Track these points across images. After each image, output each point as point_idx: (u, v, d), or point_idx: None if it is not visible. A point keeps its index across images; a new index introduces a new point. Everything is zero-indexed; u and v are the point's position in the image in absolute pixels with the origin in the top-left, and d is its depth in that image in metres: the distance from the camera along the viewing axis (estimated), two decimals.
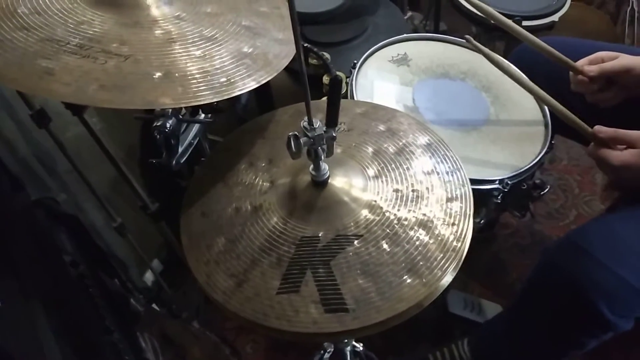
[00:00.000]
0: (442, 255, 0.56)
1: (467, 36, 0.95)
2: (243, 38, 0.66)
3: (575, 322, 0.81)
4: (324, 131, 0.55)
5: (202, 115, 0.88)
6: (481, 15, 0.92)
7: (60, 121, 0.85)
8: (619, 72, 0.83)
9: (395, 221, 0.59)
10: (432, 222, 0.59)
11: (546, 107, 0.95)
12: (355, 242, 0.58)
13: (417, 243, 0.57)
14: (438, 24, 1.61)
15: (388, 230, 0.58)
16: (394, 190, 0.63)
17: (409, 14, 1.68)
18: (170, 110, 0.80)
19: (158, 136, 0.81)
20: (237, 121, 1.19)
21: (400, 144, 0.69)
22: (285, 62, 0.66)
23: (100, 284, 0.88)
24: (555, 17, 1.22)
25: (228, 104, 1.06)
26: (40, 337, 0.64)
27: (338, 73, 1.01)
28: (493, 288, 1.37)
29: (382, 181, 0.64)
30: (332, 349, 0.98)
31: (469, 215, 0.60)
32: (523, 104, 0.98)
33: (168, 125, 0.80)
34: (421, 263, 0.56)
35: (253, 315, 0.54)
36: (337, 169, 0.63)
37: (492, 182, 0.82)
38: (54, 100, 0.77)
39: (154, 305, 1.19)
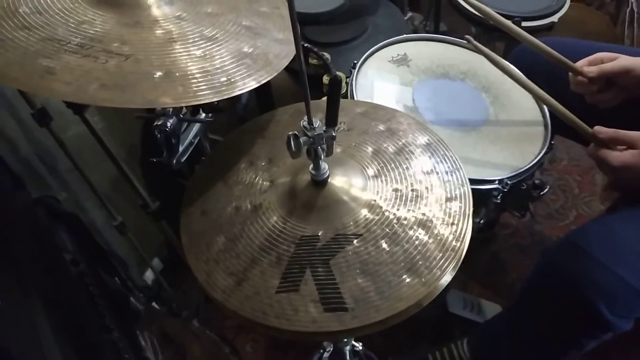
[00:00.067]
0: (441, 254, 0.57)
1: (468, 36, 0.96)
2: (243, 38, 0.66)
3: (575, 322, 0.81)
4: (324, 131, 0.56)
5: (203, 115, 0.88)
6: (481, 15, 0.92)
7: (61, 120, 0.86)
8: (618, 73, 0.83)
9: (395, 221, 0.59)
10: (431, 221, 0.60)
11: (546, 108, 0.95)
12: (355, 241, 0.58)
13: (417, 242, 0.57)
14: (438, 25, 1.61)
15: (387, 230, 0.59)
16: (393, 190, 0.63)
17: (409, 14, 1.68)
18: (171, 109, 0.80)
19: (159, 135, 0.81)
20: (238, 121, 1.19)
21: (400, 143, 0.70)
22: (285, 62, 0.66)
23: (101, 283, 0.88)
24: (554, 18, 1.22)
25: (228, 103, 1.07)
26: (40, 336, 0.64)
27: (338, 73, 1.02)
28: (493, 288, 1.37)
29: (381, 181, 0.64)
30: (332, 348, 0.98)
31: (468, 215, 0.61)
32: (522, 104, 0.98)
33: (169, 124, 0.80)
34: (420, 262, 0.56)
35: (252, 314, 0.54)
36: (337, 168, 0.63)
37: (491, 182, 0.83)
38: (55, 99, 0.78)
39: (154, 304, 1.19)
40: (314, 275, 0.56)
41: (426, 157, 0.68)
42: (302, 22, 1.16)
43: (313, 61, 1.09)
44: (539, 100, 0.96)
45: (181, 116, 0.83)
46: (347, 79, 0.98)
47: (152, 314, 1.13)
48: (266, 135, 0.74)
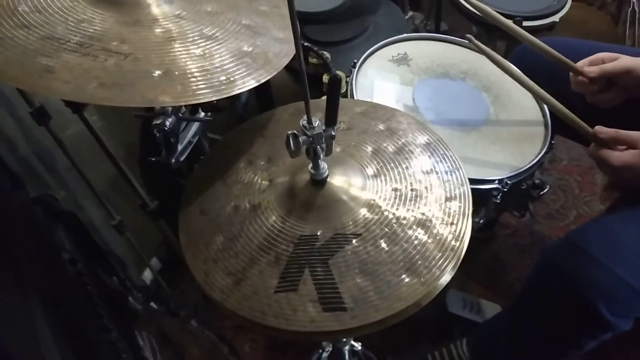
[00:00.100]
0: (440, 254, 0.56)
1: (469, 35, 0.95)
2: (243, 37, 0.66)
3: (575, 322, 0.81)
4: (323, 130, 0.55)
5: (202, 114, 0.88)
6: (482, 15, 0.92)
7: (60, 119, 0.86)
8: (619, 73, 0.83)
9: (394, 220, 0.59)
10: (430, 221, 0.59)
11: (546, 107, 0.95)
12: (354, 241, 0.58)
13: (416, 242, 0.57)
14: (439, 24, 1.61)
15: (387, 230, 0.58)
16: (392, 190, 0.63)
17: (410, 13, 1.68)
18: (170, 108, 0.80)
19: (157, 134, 0.81)
20: (237, 120, 1.19)
21: (400, 143, 0.69)
22: (285, 61, 0.66)
23: (99, 282, 0.88)
24: (556, 18, 1.22)
25: (228, 102, 1.06)
26: (38, 335, 0.64)
27: (338, 72, 1.01)
28: (492, 288, 1.37)
29: (381, 180, 0.64)
30: (331, 348, 0.98)
31: (468, 214, 0.60)
32: (523, 104, 0.98)
33: (168, 123, 0.80)
34: (419, 262, 0.56)
35: (251, 313, 0.54)
36: (336, 167, 0.63)
37: (491, 181, 0.82)
38: (54, 98, 0.78)
39: (152, 304, 1.19)
40: (313, 275, 0.55)
41: (426, 156, 0.67)
42: (303, 21, 1.16)
43: (313, 60, 1.08)
44: (539, 100, 0.96)
45: (180, 115, 0.83)
46: (347, 78, 0.97)
47: (150, 313, 1.13)
48: (265, 135, 0.74)
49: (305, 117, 0.55)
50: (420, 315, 0.55)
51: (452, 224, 0.59)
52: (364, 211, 0.60)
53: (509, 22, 0.86)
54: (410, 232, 0.58)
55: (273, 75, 0.63)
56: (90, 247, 0.94)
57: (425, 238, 0.58)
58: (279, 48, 0.67)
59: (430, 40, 1.09)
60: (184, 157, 0.87)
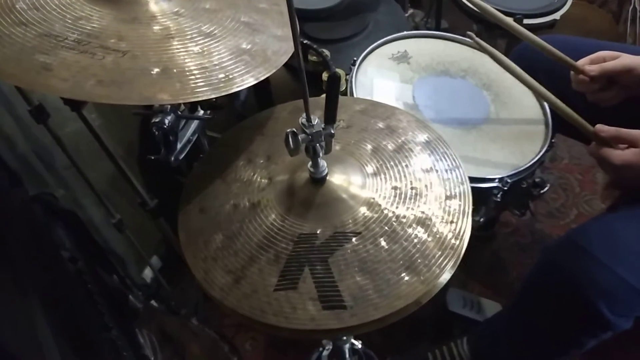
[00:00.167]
0: (440, 253, 0.56)
1: (470, 33, 0.95)
2: (242, 34, 0.65)
3: (575, 321, 0.81)
4: (322, 128, 0.55)
5: (201, 112, 0.88)
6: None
7: (58, 117, 0.85)
8: (620, 71, 0.82)
9: (394, 219, 0.59)
10: (430, 219, 0.59)
11: (547, 106, 0.95)
12: (354, 239, 0.58)
13: (415, 241, 0.57)
14: (439, 22, 1.61)
15: (386, 228, 0.58)
16: (392, 188, 0.63)
17: (410, 11, 1.68)
18: (168, 106, 0.80)
19: (157, 132, 0.81)
20: (236, 118, 1.19)
21: (400, 141, 0.69)
22: (284, 59, 0.65)
23: (99, 281, 0.88)
24: (556, 16, 1.22)
25: (227, 100, 1.06)
26: (38, 334, 0.64)
27: (337, 70, 1.01)
28: (493, 287, 1.37)
29: (380, 179, 0.64)
30: (331, 347, 0.98)
31: (468, 213, 0.60)
32: (523, 102, 0.98)
33: (167, 121, 0.80)
34: (419, 261, 0.56)
35: (250, 311, 0.54)
36: (336, 166, 0.63)
37: (491, 180, 0.82)
38: (52, 95, 0.77)
39: (152, 302, 1.19)
40: (313, 273, 0.55)
41: (426, 154, 0.67)
42: (302, 19, 1.15)
43: (312, 58, 1.08)
44: (540, 98, 0.96)
45: (179, 113, 0.83)
46: (347, 76, 0.97)
47: (150, 312, 1.12)
48: (265, 133, 0.73)
49: (304, 115, 0.55)
50: (421, 314, 0.55)
51: (452, 222, 0.59)
52: (363, 209, 0.60)
53: (510, 20, 0.86)
54: (410, 230, 0.58)
55: (272, 73, 0.63)
56: (90, 246, 0.94)
57: (425, 236, 0.58)
58: (278, 46, 0.67)
59: (430, 38, 1.09)
60: (183, 155, 0.87)
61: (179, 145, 0.86)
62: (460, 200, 0.62)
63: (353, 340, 0.95)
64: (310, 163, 0.60)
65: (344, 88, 0.97)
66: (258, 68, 0.62)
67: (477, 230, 0.86)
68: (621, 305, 0.75)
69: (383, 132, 0.71)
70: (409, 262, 0.55)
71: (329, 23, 1.20)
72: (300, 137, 0.55)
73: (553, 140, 0.90)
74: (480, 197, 0.84)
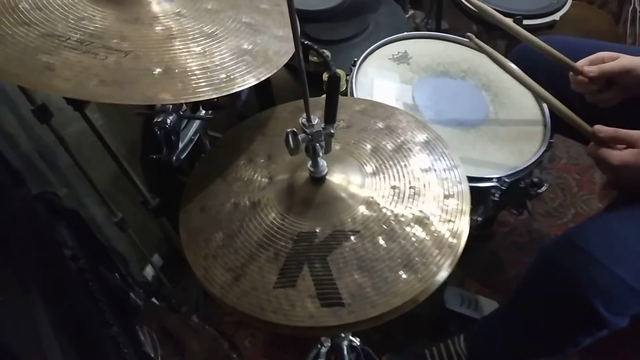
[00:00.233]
0: (437, 251, 0.57)
1: (469, 34, 0.96)
2: (243, 35, 0.66)
3: (571, 319, 0.81)
4: (322, 128, 0.56)
5: (203, 112, 0.88)
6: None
7: (61, 116, 0.86)
8: (619, 72, 0.83)
9: (392, 217, 0.60)
10: (428, 218, 0.60)
11: (545, 106, 0.95)
12: (352, 237, 0.58)
13: (413, 239, 0.58)
14: (440, 23, 1.61)
15: (385, 227, 0.59)
16: (391, 187, 0.63)
17: (411, 12, 1.68)
18: (170, 106, 0.81)
19: (158, 132, 0.81)
20: (237, 118, 1.19)
21: (399, 141, 0.70)
22: (285, 59, 0.66)
23: (100, 278, 0.88)
24: (556, 16, 1.22)
25: (228, 100, 1.07)
26: (40, 331, 0.64)
27: (337, 70, 1.02)
28: (490, 285, 1.38)
29: (379, 178, 0.64)
30: (329, 344, 0.99)
31: (466, 212, 0.61)
32: (522, 102, 0.98)
33: (168, 121, 0.81)
34: (417, 259, 0.56)
35: (250, 309, 0.54)
36: (335, 165, 0.64)
37: (490, 180, 0.83)
38: (55, 95, 0.78)
39: (153, 300, 1.20)
40: (312, 271, 0.56)
41: (424, 154, 0.68)
42: (303, 20, 1.16)
43: (313, 58, 1.09)
44: (539, 98, 0.96)
45: (181, 113, 0.83)
46: (347, 77, 0.98)
47: (151, 309, 1.13)
48: (265, 132, 0.74)
49: (304, 115, 0.55)
50: (419, 312, 0.55)
51: (449, 221, 0.60)
52: (362, 208, 0.61)
53: (509, 21, 0.87)
54: (408, 229, 0.59)
55: (273, 73, 0.64)
56: (92, 244, 0.94)
57: (422, 235, 0.58)
58: (279, 46, 0.67)
59: (430, 39, 1.09)
60: (184, 154, 0.88)
61: (180, 145, 0.87)
62: (458, 199, 0.62)
63: (351, 338, 0.96)
64: (310, 162, 0.61)
65: (344, 88, 0.97)
66: (259, 68, 0.63)
67: (475, 230, 0.86)
68: (617, 304, 0.76)
69: (382, 132, 0.71)
70: (406, 261, 0.56)
71: (329, 24, 1.20)
72: (301, 136, 0.55)
73: (551, 141, 0.91)
74: (479, 196, 0.84)
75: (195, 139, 0.91)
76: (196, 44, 0.62)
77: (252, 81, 0.61)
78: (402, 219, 0.60)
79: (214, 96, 0.57)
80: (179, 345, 1.10)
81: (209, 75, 0.59)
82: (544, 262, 0.85)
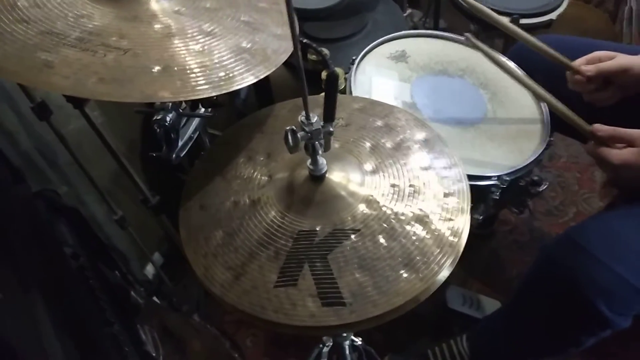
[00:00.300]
0: (438, 250, 0.57)
1: (467, 34, 0.96)
2: (242, 33, 0.66)
3: (573, 319, 0.81)
4: (321, 126, 0.56)
5: (202, 110, 0.88)
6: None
7: (61, 114, 0.86)
8: (616, 71, 0.83)
9: (392, 216, 0.60)
10: (428, 217, 0.60)
11: (544, 105, 0.95)
12: (353, 236, 0.58)
13: (414, 238, 0.58)
14: (437, 22, 1.61)
15: (385, 225, 0.59)
16: (391, 185, 0.63)
17: (409, 11, 1.68)
18: (170, 104, 0.81)
19: (158, 130, 0.81)
20: (237, 116, 1.19)
21: (398, 139, 0.70)
22: (283, 58, 0.66)
23: (101, 277, 0.88)
24: (553, 15, 1.22)
25: (227, 98, 1.07)
26: (40, 329, 0.64)
27: (336, 69, 1.02)
28: (492, 284, 1.38)
29: (379, 176, 0.64)
30: (331, 343, 0.99)
31: (466, 210, 0.61)
32: (521, 101, 0.98)
33: (168, 119, 0.81)
34: (418, 258, 0.56)
35: (250, 308, 0.54)
36: (335, 163, 0.63)
37: (489, 178, 0.83)
38: (54, 93, 0.78)
39: (154, 298, 1.20)
40: (312, 270, 0.56)
41: (424, 152, 0.68)
42: (302, 18, 1.16)
43: (312, 57, 1.09)
44: (537, 97, 0.96)
45: (180, 111, 0.83)
46: (346, 75, 0.98)
47: (152, 308, 1.13)
48: (265, 130, 0.74)
49: (303, 113, 0.55)
50: (420, 311, 0.55)
51: (450, 219, 0.60)
52: (362, 207, 0.61)
53: (505, 21, 0.86)
54: (408, 227, 0.59)
55: (272, 71, 0.64)
56: (92, 242, 0.94)
57: (423, 234, 0.58)
58: (278, 44, 0.67)
59: (428, 38, 1.09)
60: (184, 152, 0.88)
61: (180, 143, 0.87)
62: (458, 198, 0.62)
63: (353, 337, 0.96)
64: (309, 161, 0.60)
65: (342, 87, 0.97)
66: (258, 66, 0.63)
67: (476, 228, 0.86)
68: (620, 304, 0.76)
69: (382, 130, 0.71)
70: (407, 260, 0.56)
71: (328, 22, 1.20)
72: (300, 135, 0.55)
73: (551, 139, 0.91)
74: (479, 195, 0.84)
75: (195, 137, 0.91)
76: (195, 42, 0.62)
77: (251, 79, 0.61)
78: (402, 218, 0.59)
79: (213, 94, 0.57)
80: (180, 344, 1.10)
81: (208, 73, 0.59)
82: (545, 261, 0.85)
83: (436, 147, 0.69)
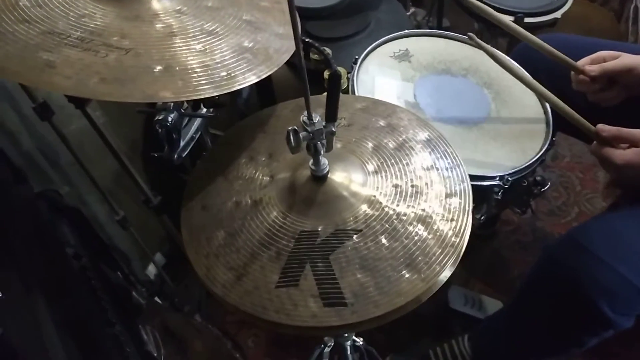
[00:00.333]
0: (440, 250, 0.57)
1: (470, 34, 0.95)
2: (244, 32, 0.66)
3: (576, 319, 0.81)
4: (324, 126, 0.56)
5: (204, 110, 0.88)
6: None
7: (63, 114, 0.86)
8: (620, 71, 0.82)
9: (394, 216, 0.59)
10: (431, 217, 0.60)
11: (547, 104, 0.95)
12: (354, 236, 0.58)
13: (416, 238, 0.57)
14: (441, 20, 1.61)
15: (387, 225, 0.59)
16: (393, 186, 0.63)
17: (412, 9, 1.68)
18: (172, 104, 0.80)
19: (160, 130, 0.81)
20: (239, 116, 1.19)
21: (400, 139, 0.69)
22: (285, 57, 0.66)
23: (103, 277, 0.88)
24: (557, 14, 1.22)
25: (229, 98, 1.07)
26: (42, 329, 0.64)
27: (339, 68, 1.01)
28: (494, 285, 1.37)
29: (381, 176, 0.64)
30: (333, 343, 0.98)
31: (468, 211, 0.61)
32: (524, 100, 0.98)
33: (170, 119, 0.80)
34: (420, 258, 0.56)
35: (252, 308, 0.54)
36: (337, 163, 0.63)
37: (492, 178, 0.82)
38: (56, 93, 0.78)
39: (156, 299, 1.20)
40: (314, 271, 0.56)
41: (426, 153, 0.68)
42: (304, 17, 1.16)
43: (314, 56, 1.08)
44: (541, 98, 0.96)
45: (182, 111, 0.83)
46: (349, 75, 0.97)
47: (154, 308, 1.13)
48: (266, 130, 0.74)
49: (305, 112, 0.55)
50: (422, 311, 0.55)
51: (452, 220, 0.59)
52: (364, 207, 0.60)
53: (508, 21, 0.86)
54: (410, 228, 0.58)
55: (274, 71, 0.63)
56: (94, 242, 0.94)
57: (425, 234, 0.58)
58: (280, 44, 0.67)
59: (431, 37, 1.09)
60: (186, 152, 0.88)
61: (182, 143, 0.87)
62: (460, 198, 0.62)
63: (355, 338, 0.96)
64: (311, 161, 0.60)
65: (345, 86, 0.97)
66: (260, 66, 0.62)
67: (479, 229, 0.86)
68: (622, 304, 0.76)
69: (384, 130, 0.71)
70: (409, 260, 0.56)
71: (330, 21, 1.20)
72: (302, 135, 0.55)
73: (554, 139, 0.90)
74: (481, 195, 0.84)
75: (197, 137, 0.91)
76: (197, 42, 0.62)
77: (253, 79, 0.61)
78: (405, 218, 0.59)
79: (215, 94, 0.57)
80: (181, 345, 1.10)
81: (210, 73, 0.58)
82: (548, 262, 0.85)
83: (439, 147, 0.68)
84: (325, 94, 0.56)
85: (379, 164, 0.66)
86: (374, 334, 1.21)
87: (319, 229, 0.59)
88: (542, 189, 0.88)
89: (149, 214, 0.93)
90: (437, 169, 0.65)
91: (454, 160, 0.67)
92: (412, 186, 0.63)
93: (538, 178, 0.89)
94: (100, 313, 0.83)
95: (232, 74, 0.60)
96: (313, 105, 0.55)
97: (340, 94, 0.57)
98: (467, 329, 1.16)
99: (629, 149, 0.75)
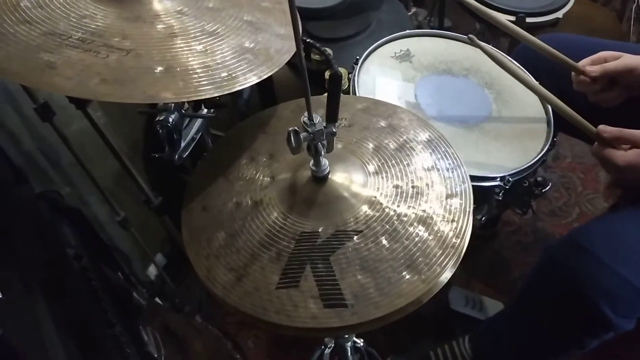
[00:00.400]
0: (441, 251, 0.56)
1: (470, 35, 0.95)
2: (245, 33, 0.66)
3: (576, 321, 0.81)
4: (324, 127, 0.55)
5: (205, 110, 0.88)
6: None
7: (64, 115, 0.86)
8: (621, 72, 0.82)
9: (395, 217, 0.59)
10: (431, 218, 0.59)
11: (549, 105, 0.95)
12: (355, 237, 0.58)
13: (417, 239, 0.57)
14: (442, 21, 1.60)
15: (387, 226, 0.59)
16: (394, 186, 0.63)
17: (413, 10, 1.68)
18: (172, 105, 0.80)
19: (160, 131, 0.81)
20: (240, 116, 1.19)
21: (401, 140, 0.69)
22: (286, 58, 0.66)
23: (103, 277, 0.88)
24: (559, 14, 1.22)
25: (230, 99, 1.07)
26: (42, 330, 0.64)
27: (340, 69, 1.01)
28: (495, 286, 1.37)
29: (382, 177, 0.64)
30: (333, 345, 0.98)
31: (469, 212, 0.60)
32: (525, 101, 0.97)
33: (170, 119, 0.80)
34: (420, 259, 0.56)
35: (252, 309, 0.54)
36: (338, 164, 0.63)
37: (493, 179, 0.82)
38: (57, 93, 0.78)
39: (156, 299, 1.20)
40: (314, 272, 0.56)
41: (427, 153, 0.67)
42: (305, 18, 1.16)
43: (315, 57, 1.08)
44: (542, 98, 0.96)
45: (183, 112, 0.83)
46: (349, 75, 0.97)
47: (154, 309, 1.13)
48: (267, 131, 0.74)
49: (306, 113, 0.55)
50: (423, 313, 0.55)
51: (453, 221, 0.59)
52: (365, 208, 0.60)
53: (507, 22, 0.86)
54: (411, 229, 0.58)
55: (275, 71, 0.63)
56: (94, 243, 0.94)
57: (426, 235, 0.58)
58: (281, 44, 0.67)
59: (432, 37, 1.09)
60: (187, 153, 0.88)
61: (182, 144, 0.87)
62: (461, 199, 0.62)
63: (355, 339, 0.96)
64: (312, 161, 0.60)
65: (346, 87, 0.97)
66: (261, 66, 0.62)
67: (479, 229, 0.86)
68: (623, 306, 0.75)
69: (385, 131, 0.71)
70: (410, 261, 0.56)
71: (331, 22, 1.20)
72: (302, 135, 0.55)
73: (555, 139, 0.90)
74: (482, 195, 0.84)
75: (198, 138, 0.91)
76: (198, 42, 0.62)
77: (253, 79, 0.61)
78: (405, 219, 0.59)
79: (216, 94, 0.57)
80: (182, 345, 1.10)
81: (211, 74, 0.59)
82: (549, 262, 0.85)
83: (439, 147, 0.68)
84: (326, 94, 0.56)
85: (380, 164, 0.66)
86: (374, 335, 1.21)
87: (320, 230, 0.59)
88: (543, 190, 0.88)
89: (150, 214, 0.93)
90: (438, 170, 0.65)
91: (454, 160, 0.66)
92: (413, 187, 0.63)
93: (539, 178, 0.88)
94: (101, 314, 0.83)
95: (233, 75, 0.60)
96: (314, 106, 0.54)
97: (341, 94, 0.57)
98: (467, 330, 1.16)
99: (630, 149, 0.75)
